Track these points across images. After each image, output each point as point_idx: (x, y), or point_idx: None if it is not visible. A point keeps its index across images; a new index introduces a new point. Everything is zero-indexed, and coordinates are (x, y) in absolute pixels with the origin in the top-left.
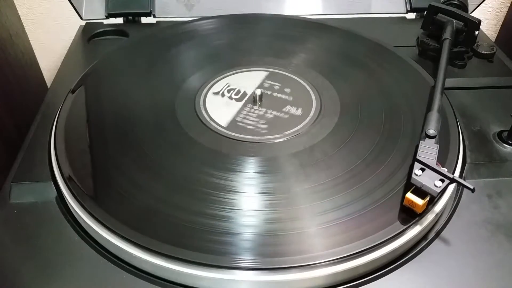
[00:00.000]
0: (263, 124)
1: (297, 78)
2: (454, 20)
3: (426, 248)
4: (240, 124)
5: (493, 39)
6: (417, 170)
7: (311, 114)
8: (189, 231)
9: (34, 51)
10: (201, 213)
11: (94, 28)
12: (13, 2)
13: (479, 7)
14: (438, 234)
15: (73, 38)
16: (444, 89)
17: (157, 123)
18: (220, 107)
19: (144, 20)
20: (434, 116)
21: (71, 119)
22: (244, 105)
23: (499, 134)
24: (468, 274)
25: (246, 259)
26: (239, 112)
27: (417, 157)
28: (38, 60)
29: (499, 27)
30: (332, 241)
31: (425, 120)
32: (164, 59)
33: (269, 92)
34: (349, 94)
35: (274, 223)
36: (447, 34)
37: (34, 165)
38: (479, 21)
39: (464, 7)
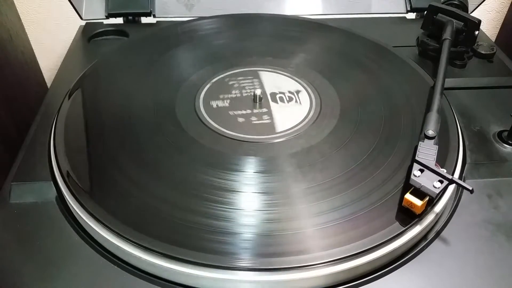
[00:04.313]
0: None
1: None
2: (454, 20)
3: (426, 248)
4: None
5: (493, 39)
6: (416, 171)
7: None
8: (189, 231)
9: (34, 51)
10: (201, 213)
11: (94, 28)
12: (13, 2)
13: (479, 7)
14: (438, 234)
15: (73, 38)
16: (444, 89)
17: (156, 123)
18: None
19: (144, 20)
20: (433, 117)
21: (70, 119)
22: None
23: (499, 134)
24: (468, 274)
25: (245, 259)
26: (239, 111)
27: (416, 158)
28: (38, 60)
29: (499, 27)
30: (332, 242)
31: (424, 121)
32: (163, 59)
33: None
34: (349, 94)
35: (273, 223)
36: (447, 34)
37: (34, 165)
38: (479, 21)
39: (464, 7)
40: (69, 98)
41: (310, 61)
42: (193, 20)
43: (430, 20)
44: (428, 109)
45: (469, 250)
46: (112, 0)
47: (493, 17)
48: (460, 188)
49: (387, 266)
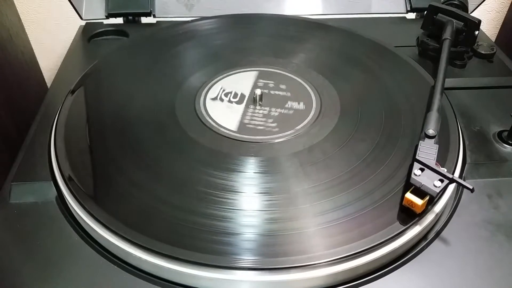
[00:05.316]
0: (264, 123)
1: (297, 78)
2: (454, 20)
3: (426, 248)
4: (241, 123)
5: (493, 39)
6: (416, 170)
7: (311, 114)
8: (189, 231)
9: (34, 51)
10: (201, 213)
11: (94, 28)
12: (13, 2)
13: (479, 7)
14: (438, 234)
15: (73, 38)
16: (444, 89)
17: (157, 123)
18: (220, 107)
19: (144, 20)
20: (433, 116)
21: (71, 119)
22: (246, 105)
23: (499, 134)
24: (468, 274)
25: (246, 259)
26: (240, 111)
27: (417, 157)
28: (38, 60)
29: (499, 27)
30: (332, 241)
31: (425, 120)
32: (164, 59)
33: (269, 92)
34: (349, 94)
35: (274, 223)
36: (447, 34)
37: (34, 165)
38: (479, 21)
39: (464, 7)
40: (69, 99)
41: (310, 61)
42: (193, 20)
43: (430, 20)
44: (428, 108)
45: (469, 250)
46: (112, 0)
47: (493, 17)
48: (460, 188)
49: (387, 266)
